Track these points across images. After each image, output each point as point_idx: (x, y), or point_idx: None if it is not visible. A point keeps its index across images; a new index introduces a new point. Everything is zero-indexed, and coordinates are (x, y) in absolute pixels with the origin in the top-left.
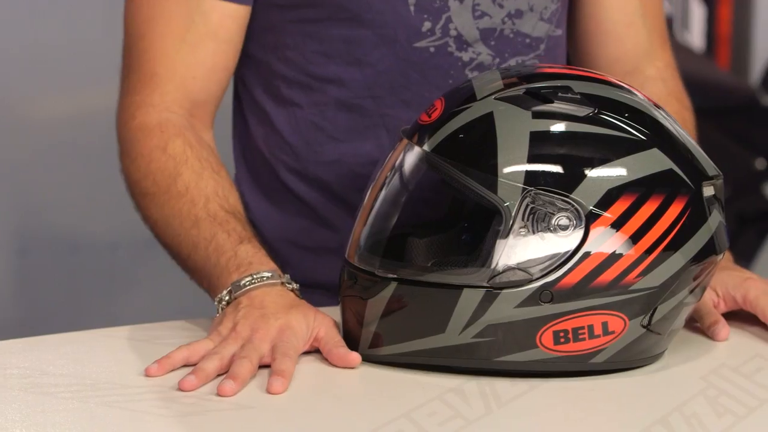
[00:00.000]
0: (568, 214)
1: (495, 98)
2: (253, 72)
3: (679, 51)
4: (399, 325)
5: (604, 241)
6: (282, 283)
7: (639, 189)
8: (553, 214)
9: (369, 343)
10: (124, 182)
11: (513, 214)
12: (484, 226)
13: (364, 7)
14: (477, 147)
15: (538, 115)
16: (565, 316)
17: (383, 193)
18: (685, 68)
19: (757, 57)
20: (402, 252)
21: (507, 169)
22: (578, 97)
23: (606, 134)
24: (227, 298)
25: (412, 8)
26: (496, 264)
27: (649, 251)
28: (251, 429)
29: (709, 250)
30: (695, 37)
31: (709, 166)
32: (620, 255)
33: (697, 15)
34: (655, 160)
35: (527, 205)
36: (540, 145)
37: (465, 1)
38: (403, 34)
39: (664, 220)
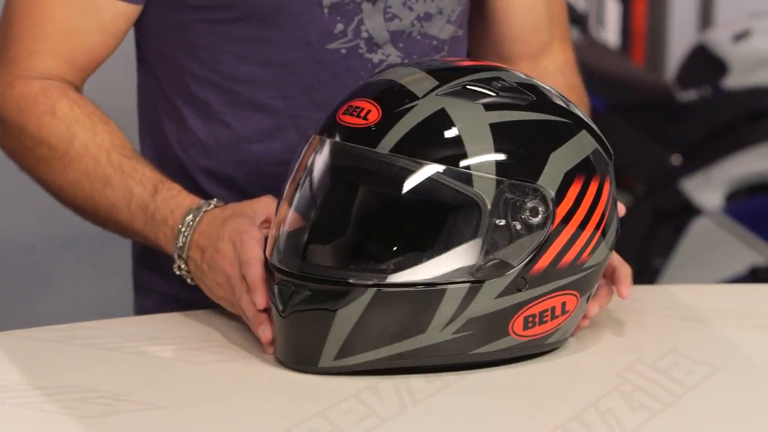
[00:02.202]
0: (537, 201)
1: (438, 95)
2: (161, 67)
3: (595, 47)
4: (375, 331)
5: (566, 223)
6: (204, 211)
7: (584, 171)
8: (525, 202)
9: (336, 354)
10: (7, 153)
11: (490, 206)
12: (462, 221)
13: (279, 9)
14: (441, 143)
15: (489, 108)
16: (535, 301)
17: (331, 203)
18: (600, 65)
19: (672, 53)
20: (376, 257)
21: (478, 163)
22: (514, 86)
23: (550, 120)
24: (182, 264)
25: (326, 10)
26: (478, 258)
27: (596, 230)
28: (165, 429)
29: (620, 222)
30: (610, 33)
31: (606, 143)
32: (578, 235)
33: (613, 12)
34: (586, 142)
35: (502, 196)
36: (502, 136)
37: (377, 3)
38: (315, 36)
39: (603, 199)
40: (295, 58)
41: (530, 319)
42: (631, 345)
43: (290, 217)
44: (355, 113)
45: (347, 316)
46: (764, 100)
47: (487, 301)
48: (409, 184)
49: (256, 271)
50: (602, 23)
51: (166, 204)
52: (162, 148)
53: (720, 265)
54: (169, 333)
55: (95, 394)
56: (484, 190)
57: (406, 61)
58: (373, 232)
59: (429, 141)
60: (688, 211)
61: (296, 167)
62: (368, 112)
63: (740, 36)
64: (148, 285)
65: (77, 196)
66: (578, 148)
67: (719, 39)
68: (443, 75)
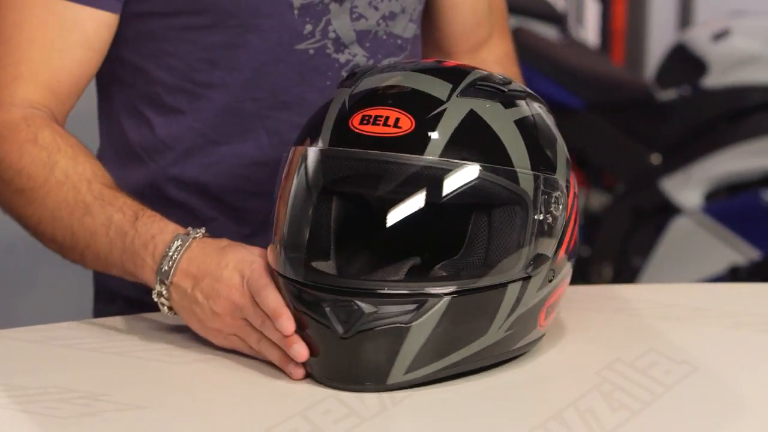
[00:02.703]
0: (559, 192)
1: (458, 96)
2: (129, 77)
3: (574, 47)
4: (445, 340)
5: (572, 211)
6: (193, 238)
7: (569, 159)
8: (551, 194)
9: (406, 369)
10: None
11: (532, 201)
12: (513, 219)
13: (251, 12)
14: (484, 144)
15: (506, 105)
16: (555, 290)
17: (384, 215)
18: (580, 64)
19: (652, 52)
20: (446, 265)
21: (518, 160)
22: (508, 80)
23: (544, 111)
24: (164, 291)
25: (296, 12)
26: (528, 253)
27: (578, 215)
28: (145, 429)
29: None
30: (590, 33)
31: None
32: (576, 222)
33: (592, 11)
34: (559, 134)
35: (539, 191)
36: (526, 132)
37: (344, 3)
38: (286, 37)
39: (577, 188)
40: (266, 61)
41: (550, 309)
42: (610, 344)
43: (326, 234)
44: (380, 122)
45: (422, 329)
46: (744, 100)
47: (532, 295)
48: (468, 188)
49: (276, 297)
50: (581, 23)
51: (147, 229)
52: (126, 157)
53: (699, 264)
54: (149, 333)
55: (75, 394)
56: (527, 186)
57: (371, 60)
58: (439, 239)
59: (472, 143)
60: (667, 210)
61: (299, 183)
62: (397, 119)
63: (720, 35)
64: (112, 289)
65: (56, 227)
66: (562, 136)
67: (699, 38)
68: (446, 76)
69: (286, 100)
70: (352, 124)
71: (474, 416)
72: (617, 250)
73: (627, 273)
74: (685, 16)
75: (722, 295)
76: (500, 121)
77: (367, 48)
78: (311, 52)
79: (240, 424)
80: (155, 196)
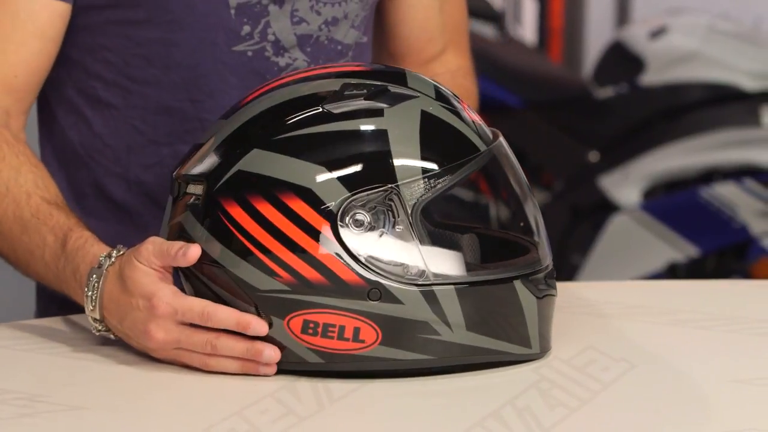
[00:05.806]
0: None
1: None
2: (65, 72)
3: (512, 45)
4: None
5: None
6: (110, 265)
7: None
8: None
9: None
10: None
11: None
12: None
13: (185, 9)
14: None
15: None
16: None
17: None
18: (517, 62)
19: (589, 50)
20: None
21: None
22: None
23: None
24: (101, 327)
25: (232, 11)
26: None
27: None
28: (83, 430)
29: None
30: (528, 31)
31: None
32: None
33: (530, 9)
34: None
35: None
36: None
37: (284, 6)
38: (222, 38)
39: None
40: (202, 61)
41: None
42: None
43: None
44: (475, 114)
45: None
46: (681, 97)
47: None
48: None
49: (229, 310)
50: (519, 21)
51: (73, 256)
52: (66, 155)
53: (638, 261)
54: (87, 334)
55: (12, 395)
56: None
57: (312, 65)
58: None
59: None
60: (606, 208)
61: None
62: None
63: (657, 33)
64: (51, 290)
65: (0, 241)
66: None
67: (636, 36)
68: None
69: (224, 103)
70: (475, 122)
71: (411, 415)
72: (555, 248)
73: (565, 271)
74: (623, 14)
75: (661, 292)
76: None
77: (308, 53)
78: (249, 54)
79: (178, 423)
80: (98, 198)
